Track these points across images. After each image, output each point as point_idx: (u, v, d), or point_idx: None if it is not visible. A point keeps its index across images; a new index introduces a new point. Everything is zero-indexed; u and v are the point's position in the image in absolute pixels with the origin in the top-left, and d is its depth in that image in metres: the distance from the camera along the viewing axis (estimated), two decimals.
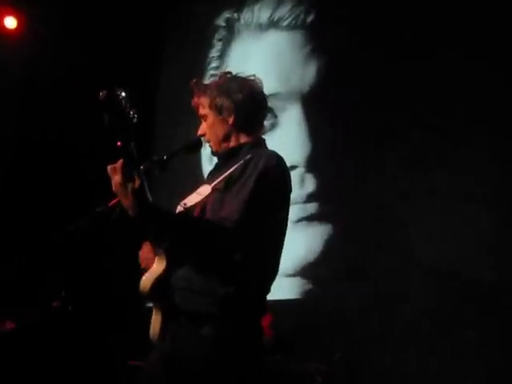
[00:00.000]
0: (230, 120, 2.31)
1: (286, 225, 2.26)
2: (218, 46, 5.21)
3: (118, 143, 1.96)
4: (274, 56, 4.75)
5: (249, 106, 2.31)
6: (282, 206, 2.24)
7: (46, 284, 4.49)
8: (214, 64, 5.16)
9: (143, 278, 2.17)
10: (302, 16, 4.70)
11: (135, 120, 1.97)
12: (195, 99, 2.38)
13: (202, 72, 5.18)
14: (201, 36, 5.36)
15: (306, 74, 4.63)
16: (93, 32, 5.09)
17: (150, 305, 2.20)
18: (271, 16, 4.87)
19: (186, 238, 2.09)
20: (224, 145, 2.33)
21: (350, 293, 4.01)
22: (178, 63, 5.42)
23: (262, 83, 2.36)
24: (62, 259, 4.68)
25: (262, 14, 4.92)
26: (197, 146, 2.38)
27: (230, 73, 2.41)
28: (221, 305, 2.09)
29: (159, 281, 2.15)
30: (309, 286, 4.28)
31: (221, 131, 2.33)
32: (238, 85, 2.32)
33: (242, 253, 2.09)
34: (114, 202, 2.25)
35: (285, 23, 4.79)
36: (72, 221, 2.61)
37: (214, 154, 2.38)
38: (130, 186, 1.97)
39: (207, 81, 2.46)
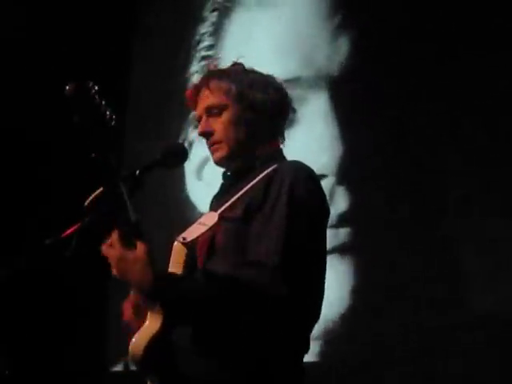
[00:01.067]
0: (262, 120, 2.32)
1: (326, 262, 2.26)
2: (211, 18, 5.20)
3: (93, 155, 1.96)
4: (290, 29, 4.73)
5: (282, 109, 2.37)
6: (324, 234, 2.23)
7: None
8: (206, 42, 5.15)
9: (133, 339, 2.14)
10: None
11: (114, 122, 1.97)
12: (209, 82, 2.34)
13: (187, 54, 5.17)
14: (186, 7, 5.37)
15: (335, 54, 4.60)
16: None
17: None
18: None
19: (216, 310, 2.06)
20: (241, 152, 2.32)
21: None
22: (153, 47, 5.40)
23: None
24: None
25: None
26: (180, 155, 2.33)
27: (242, 64, 2.43)
28: (233, 369, 2.07)
29: (155, 342, 2.11)
30: (334, 347, 4.16)
31: (245, 132, 2.32)
32: (271, 80, 2.38)
33: (291, 307, 2.05)
34: (71, 230, 2.25)
35: None
36: (8, 258, 2.58)
37: (219, 163, 2.35)
38: (130, 255, 2.01)
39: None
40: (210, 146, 2.34)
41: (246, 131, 2.31)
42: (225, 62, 2.48)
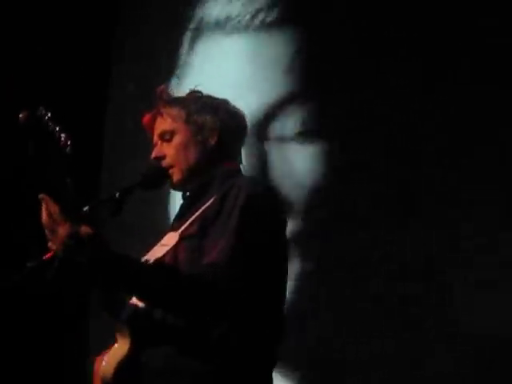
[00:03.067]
0: (212, 142, 2.36)
1: (286, 270, 2.29)
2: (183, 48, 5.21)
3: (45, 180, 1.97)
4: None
5: (234, 129, 2.41)
6: (279, 247, 2.27)
7: None
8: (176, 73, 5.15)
9: (103, 363, 2.17)
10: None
11: (69, 147, 1.98)
12: (161, 108, 2.40)
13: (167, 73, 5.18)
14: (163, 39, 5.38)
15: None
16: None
17: None
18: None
19: (160, 294, 2.09)
20: (193, 174, 2.35)
21: None
22: (132, 66, 5.38)
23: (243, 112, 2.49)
24: None
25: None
26: (160, 177, 2.37)
27: (200, 91, 2.49)
28: None
29: (124, 364, 2.14)
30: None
31: (195, 155, 2.36)
32: (223, 103, 2.44)
33: (231, 311, 2.09)
34: (51, 253, 2.22)
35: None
36: None
37: (175, 187, 2.40)
38: (83, 231, 1.97)
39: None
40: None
41: (197, 154, 2.35)
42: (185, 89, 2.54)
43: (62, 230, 1.98)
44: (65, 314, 4.80)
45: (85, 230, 1.98)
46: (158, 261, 2.18)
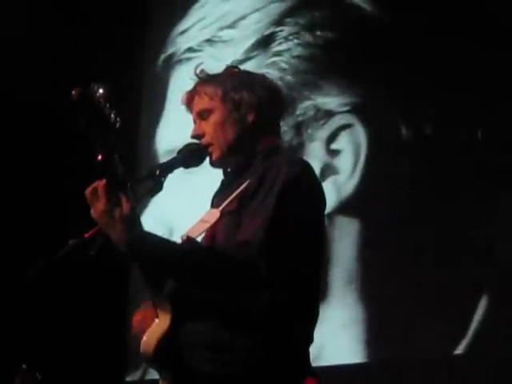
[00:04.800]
0: (250, 119, 2.35)
1: (324, 250, 2.31)
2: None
3: (99, 156, 1.98)
4: None
5: (272, 105, 2.39)
6: (316, 227, 2.28)
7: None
8: None
9: (143, 339, 2.19)
10: None
11: (118, 124, 1.99)
12: (196, 88, 2.41)
13: None
14: None
15: None
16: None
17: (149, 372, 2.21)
18: None
19: (196, 275, 2.12)
20: (233, 151, 2.36)
21: None
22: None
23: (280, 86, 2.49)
24: (18, 315, 4.68)
25: None
26: (200, 154, 2.37)
27: (237, 67, 2.51)
28: (247, 362, 2.11)
29: (165, 340, 2.16)
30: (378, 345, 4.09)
31: (233, 132, 2.36)
32: (259, 79, 2.42)
33: (269, 287, 2.10)
34: (93, 232, 2.27)
35: None
36: (34, 261, 2.55)
37: (215, 164, 2.39)
38: (117, 212, 2.01)
39: None
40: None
41: (235, 131, 2.35)
42: None
43: (99, 205, 2.02)
44: (103, 299, 4.87)
45: (120, 210, 2.01)
46: (191, 239, 2.19)
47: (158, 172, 2.24)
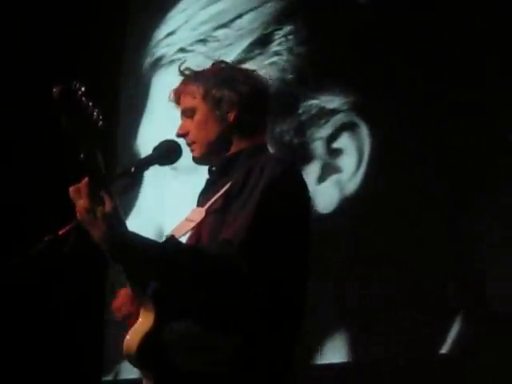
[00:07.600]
0: (231, 117, 2.35)
1: (306, 252, 2.29)
2: None
3: (81, 154, 1.96)
4: None
5: (255, 102, 2.36)
6: (300, 226, 2.27)
7: None
8: None
9: (127, 337, 2.18)
10: None
11: (101, 122, 1.98)
12: (180, 87, 2.41)
13: None
14: None
15: None
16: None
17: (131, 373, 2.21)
18: None
19: (179, 273, 2.10)
20: (215, 150, 2.36)
21: None
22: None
23: (267, 80, 2.45)
24: None
25: None
26: (175, 151, 2.37)
27: (225, 62, 2.49)
28: (231, 362, 2.10)
29: (149, 339, 2.15)
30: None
31: (215, 131, 2.35)
32: (242, 75, 2.40)
33: (251, 286, 2.10)
34: (67, 228, 2.25)
35: None
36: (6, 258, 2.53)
37: (198, 161, 2.40)
38: (99, 210, 2.00)
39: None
40: (188, 146, 2.39)
41: (216, 130, 2.35)
42: None
43: (82, 203, 2.00)
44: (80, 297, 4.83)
45: (102, 208, 1.99)
46: (174, 238, 2.17)
47: (133, 169, 2.25)
